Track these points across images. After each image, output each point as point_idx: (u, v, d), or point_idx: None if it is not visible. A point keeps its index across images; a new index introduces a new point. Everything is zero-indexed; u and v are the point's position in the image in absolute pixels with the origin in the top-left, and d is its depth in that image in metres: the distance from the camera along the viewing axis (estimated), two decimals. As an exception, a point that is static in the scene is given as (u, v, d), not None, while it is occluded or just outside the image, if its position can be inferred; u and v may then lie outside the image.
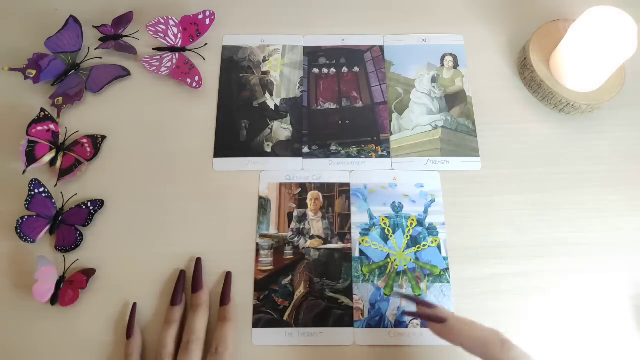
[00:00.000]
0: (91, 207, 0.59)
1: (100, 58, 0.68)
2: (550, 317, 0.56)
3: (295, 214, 0.61)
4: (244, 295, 0.57)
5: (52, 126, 0.62)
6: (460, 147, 0.64)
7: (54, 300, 0.55)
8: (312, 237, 0.60)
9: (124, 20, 0.69)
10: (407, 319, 0.56)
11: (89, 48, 0.68)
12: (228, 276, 0.56)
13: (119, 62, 0.68)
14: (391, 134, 0.65)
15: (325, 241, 0.60)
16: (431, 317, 0.47)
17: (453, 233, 0.60)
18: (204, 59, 0.68)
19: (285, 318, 0.56)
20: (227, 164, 0.63)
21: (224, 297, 0.55)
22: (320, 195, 0.62)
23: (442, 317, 0.46)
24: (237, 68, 0.68)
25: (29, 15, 0.71)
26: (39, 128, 0.62)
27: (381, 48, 0.69)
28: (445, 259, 0.58)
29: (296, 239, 0.60)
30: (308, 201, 0.61)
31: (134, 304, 0.55)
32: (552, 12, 0.70)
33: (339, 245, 0.59)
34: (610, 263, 0.59)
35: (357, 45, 0.70)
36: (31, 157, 0.60)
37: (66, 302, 0.55)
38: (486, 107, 0.66)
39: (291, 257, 0.59)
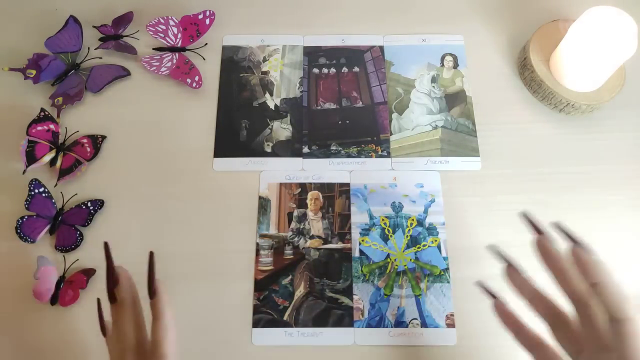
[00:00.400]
0: (91, 207, 0.59)
1: (100, 58, 0.68)
2: (550, 317, 0.56)
3: (295, 214, 0.61)
4: (244, 295, 0.57)
5: (52, 126, 0.62)
6: (460, 147, 0.64)
7: (54, 300, 0.55)
8: (312, 237, 0.60)
9: (124, 20, 0.69)
10: (407, 318, 0.56)
11: (89, 48, 0.68)
12: (151, 258, 0.43)
13: (119, 62, 0.68)
14: (391, 134, 0.65)
15: (325, 241, 0.60)
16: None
17: (453, 233, 0.60)
18: (204, 59, 0.68)
19: (285, 318, 0.56)
20: (227, 164, 0.63)
21: (149, 288, 0.43)
22: (320, 195, 0.62)
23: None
24: (237, 68, 0.68)
25: (29, 15, 0.71)
26: (39, 128, 0.62)
27: (381, 48, 0.69)
28: (445, 259, 0.58)
29: (296, 239, 0.60)
30: (308, 201, 0.61)
31: (98, 300, 0.47)
32: (552, 12, 0.70)
33: (339, 245, 0.59)
34: (610, 263, 0.58)
35: (357, 45, 0.70)
36: (31, 157, 0.60)
37: (66, 302, 0.55)
38: (486, 107, 0.66)
39: (291, 257, 0.59)
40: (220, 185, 0.62)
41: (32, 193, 0.59)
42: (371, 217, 0.60)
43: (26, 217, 0.58)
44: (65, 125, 0.64)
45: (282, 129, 0.65)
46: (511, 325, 0.44)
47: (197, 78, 0.65)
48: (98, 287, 0.57)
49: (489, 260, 0.58)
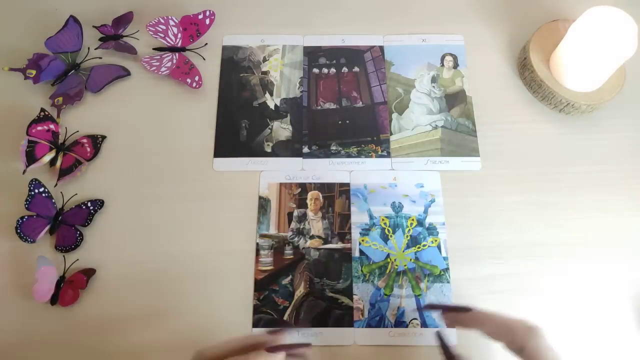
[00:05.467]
0: (91, 207, 0.59)
1: (100, 58, 0.68)
2: (549, 317, 0.56)
3: (295, 214, 0.61)
4: (244, 295, 0.57)
5: (52, 126, 0.62)
6: (460, 147, 0.64)
7: (54, 300, 0.55)
8: (312, 237, 0.60)
9: (124, 20, 0.69)
10: (407, 318, 0.56)
11: (89, 48, 0.68)
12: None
13: (119, 62, 0.68)
14: (391, 134, 0.65)
15: (325, 241, 0.60)
16: (455, 308, 0.47)
17: (453, 233, 0.60)
18: (204, 59, 0.68)
19: (285, 318, 0.56)
20: (227, 164, 0.63)
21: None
22: (320, 195, 0.62)
23: (466, 306, 0.46)
24: (237, 68, 0.68)
25: (29, 15, 0.71)
26: (39, 128, 0.62)
27: (381, 48, 0.69)
28: (445, 259, 0.58)
29: (296, 239, 0.60)
30: (308, 201, 0.61)
31: None
32: (552, 12, 0.70)
33: (339, 245, 0.59)
34: (610, 263, 0.59)
35: (357, 45, 0.70)
36: (31, 157, 0.60)
37: (66, 302, 0.55)
38: (486, 107, 0.66)
39: (291, 257, 0.59)
40: (220, 185, 0.62)
41: (32, 193, 0.59)
42: (371, 217, 0.60)
43: (26, 217, 0.58)
44: (65, 125, 0.64)
45: (282, 129, 0.65)
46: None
47: (197, 78, 0.65)
48: (98, 287, 0.57)
49: (489, 260, 0.59)
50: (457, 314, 0.46)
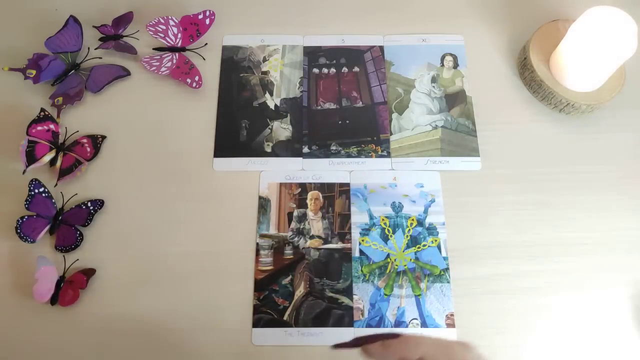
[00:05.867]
0: (91, 207, 0.59)
1: (100, 58, 0.68)
2: (549, 317, 0.56)
3: (295, 214, 0.61)
4: (244, 295, 0.57)
5: (52, 126, 0.62)
6: (460, 147, 0.64)
7: (54, 300, 0.55)
8: (312, 237, 0.60)
9: (124, 20, 0.69)
10: (407, 318, 0.56)
11: (89, 48, 0.68)
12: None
13: (119, 62, 0.68)
14: (391, 134, 0.65)
15: (325, 241, 0.60)
16: (384, 335, 0.44)
17: (453, 233, 0.60)
18: (204, 59, 0.68)
19: (285, 318, 0.56)
20: (227, 164, 0.63)
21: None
22: (320, 195, 0.62)
23: (395, 332, 0.44)
24: (237, 68, 0.68)
25: (29, 15, 0.71)
26: (39, 128, 0.62)
27: (381, 48, 0.69)
28: (445, 259, 0.58)
29: (296, 239, 0.60)
30: (308, 201, 0.61)
31: None
32: (552, 12, 0.70)
33: (339, 245, 0.59)
34: (610, 263, 0.59)
35: (357, 45, 0.70)
36: (31, 157, 0.60)
37: (66, 302, 0.55)
38: (486, 107, 0.66)
39: (291, 257, 0.59)
40: (220, 185, 0.62)
41: (32, 193, 0.59)
42: (371, 217, 0.60)
43: (26, 217, 0.58)
44: (65, 125, 0.64)
45: (282, 129, 0.65)
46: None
47: (197, 78, 0.65)
48: (98, 287, 0.57)
49: (489, 260, 0.59)
50: (387, 342, 0.43)
